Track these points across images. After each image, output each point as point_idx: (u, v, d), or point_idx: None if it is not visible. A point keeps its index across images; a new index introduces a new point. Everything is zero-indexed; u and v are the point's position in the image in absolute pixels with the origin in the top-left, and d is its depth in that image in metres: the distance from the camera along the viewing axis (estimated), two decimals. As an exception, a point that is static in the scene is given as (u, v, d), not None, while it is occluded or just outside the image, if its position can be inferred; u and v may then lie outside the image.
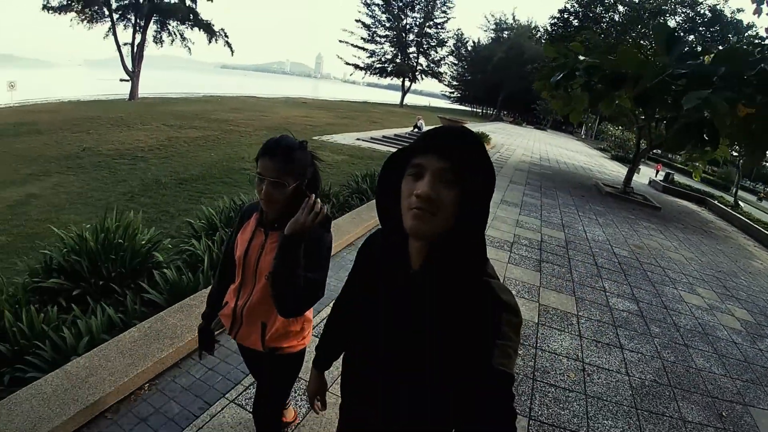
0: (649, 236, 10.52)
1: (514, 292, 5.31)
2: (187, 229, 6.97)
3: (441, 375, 1.01)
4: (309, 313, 2.11)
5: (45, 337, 3.48)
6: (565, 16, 18.35)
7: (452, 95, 79.74)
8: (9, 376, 3.23)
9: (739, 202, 19.88)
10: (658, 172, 22.89)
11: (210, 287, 2.29)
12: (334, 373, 3.21)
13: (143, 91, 36.46)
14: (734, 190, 20.99)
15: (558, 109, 13.48)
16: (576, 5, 19.20)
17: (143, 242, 5.11)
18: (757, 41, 8.77)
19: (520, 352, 4.26)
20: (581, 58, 10.18)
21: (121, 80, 70.09)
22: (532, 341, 4.53)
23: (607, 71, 9.54)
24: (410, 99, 65.57)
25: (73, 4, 31.52)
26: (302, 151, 1.80)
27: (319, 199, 1.60)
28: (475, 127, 28.18)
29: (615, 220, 11.55)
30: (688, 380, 4.41)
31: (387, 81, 69.64)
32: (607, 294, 6.25)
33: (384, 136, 20.74)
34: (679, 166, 37.36)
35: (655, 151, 35.43)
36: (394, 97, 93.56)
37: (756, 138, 8.51)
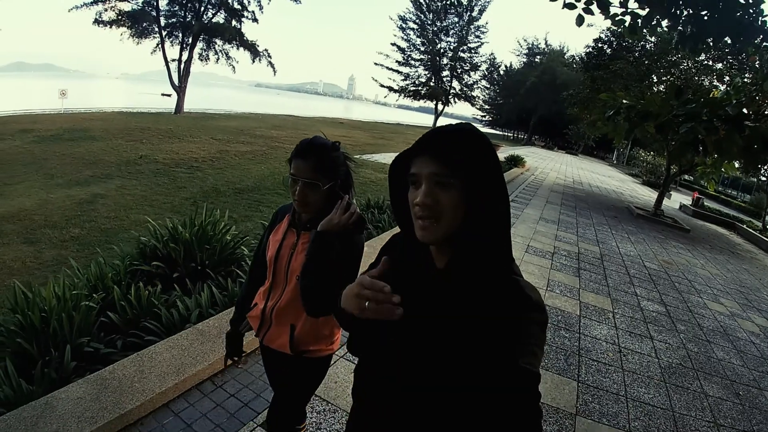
0: (677, 254, 11.29)
1: (557, 292, 6.30)
2: (257, 230, 7.95)
3: (464, 374, 0.95)
4: None
5: (152, 310, 4.08)
6: (599, 45, 19.16)
7: (484, 119, 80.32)
8: (121, 341, 3.77)
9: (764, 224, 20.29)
10: (694, 199, 23.37)
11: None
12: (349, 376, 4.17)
13: (185, 106, 37.89)
14: (764, 215, 21.39)
15: (609, 133, 16.12)
16: (610, 35, 19.99)
17: (228, 237, 5.72)
18: (731, 90, 10.70)
19: (566, 336, 5.18)
20: (624, 101, 13.71)
21: (163, 95, 72.00)
22: (575, 328, 5.45)
23: (639, 108, 12.88)
24: (442, 122, 66.22)
25: (123, 20, 33.01)
26: (335, 152, 1.84)
27: (354, 201, 1.72)
28: (508, 150, 29.06)
29: (646, 238, 12.33)
30: (709, 366, 5.26)
31: (418, 103, 70.07)
32: (639, 297, 7.13)
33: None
34: (713, 193, 37.50)
35: (686, 177, 35.84)
36: (425, 119, 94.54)
37: (723, 151, 11.88)
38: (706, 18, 4.98)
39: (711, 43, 5.55)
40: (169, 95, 68.19)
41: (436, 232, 1.02)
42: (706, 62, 12.41)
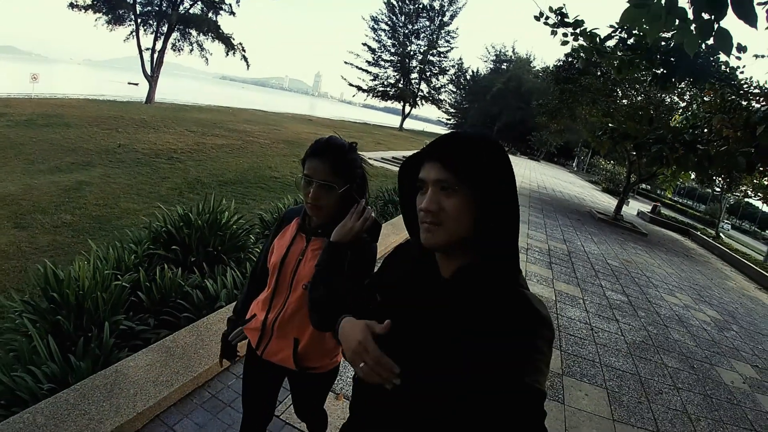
0: (636, 254, 12.32)
1: (534, 281, 7.07)
2: (252, 222, 8.37)
3: (470, 389, 0.93)
4: None
5: (182, 291, 4.28)
6: (570, 59, 20.22)
7: (449, 122, 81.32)
8: (153, 319, 3.97)
9: (720, 234, 21.70)
10: (655, 208, 24.90)
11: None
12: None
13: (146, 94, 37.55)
14: (717, 224, 22.89)
15: (596, 147, 19.39)
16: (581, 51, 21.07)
17: (235, 226, 5.89)
18: (690, 117, 13.08)
19: (551, 312, 5.91)
20: (610, 125, 15.88)
21: (129, 83, 70.21)
22: (553, 310, 6.25)
23: (621, 131, 15.04)
24: (407, 123, 66.82)
25: (99, 5, 32.53)
26: (352, 153, 1.75)
27: (368, 206, 1.60)
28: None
29: (607, 240, 13.34)
30: (667, 345, 6.10)
31: (384, 104, 70.03)
32: (604, 288, 7.99)
33: (393, 157, 21.68)
34: (669, 202, 39.28)
35: (643, 186, 37.63)
36: (390, 119, 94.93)
37: (681, 165, 13.58)
38: (673, 61, 5.91)
39: (677, 81, 6.69)
40: (136, 84, 67.01)
41: (437, 236, 1.02)
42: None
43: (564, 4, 5.57)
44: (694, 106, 13.65)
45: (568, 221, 14.84)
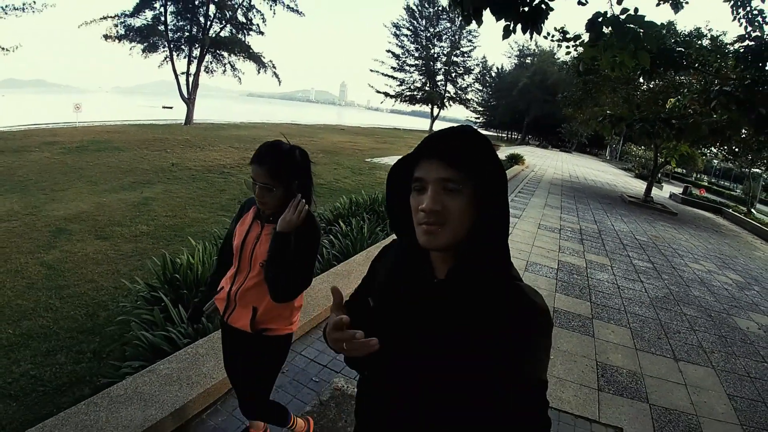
0: (664, 230, 13.13)
1: (567, 254, 8.01)
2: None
3: (468, 387, 0.95)
4: (298, 301, 2.28)
5: None
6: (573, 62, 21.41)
7: (478, 120, 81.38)
8: None
9: (753, 210, 22.00)
10: (686, 189, 25.43)
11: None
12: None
13: (182, 116, 38.40)
14: (748, 201, 23.20)
15: (599, 130, 19.80)
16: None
17: None
18: (680, 99, 14.51)
19: (578, 278, 6.90)
20: (608, 112, 17.69)
21: (164, 107, 71.60)
22: (584, 274, 7.24)
23: (616, 115, 16.49)
24: (436, 125, 66.95)
25: (132, 34, 33.77)
26: (290, 157, 2.01)
27: (304, 199, 1.94)
28: (507, 150, 30.80)
29: (637, 219, 14.19)
30: (687, 299, 6.99)
31: (410, 108, 70.30)
32: (631, 258, 8.90)
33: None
34: (705, 184, 39.16)
35: (677, 170, 37.80)
36: (418, 122, 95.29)
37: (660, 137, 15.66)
38: (654, 56, 6.93)
39: (662, 71, 7.77)
40: (170, 107, 68.47)
41: (441, 237, 0.98)
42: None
43: (564, 24, 6.67)
44: (685, 90, 14.88)
45: (599, 205, 15.72)
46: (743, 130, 12.83)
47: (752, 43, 6.74)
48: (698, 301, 7.00)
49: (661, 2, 5.62)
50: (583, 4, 4.10)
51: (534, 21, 3.84)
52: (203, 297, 2.47)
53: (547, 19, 3.90)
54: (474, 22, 3.98)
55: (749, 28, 6.63)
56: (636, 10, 3.85)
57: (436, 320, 1.02)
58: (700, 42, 13.20)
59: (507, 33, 3.99)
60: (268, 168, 1.93)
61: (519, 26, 3.88)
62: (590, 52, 3.72)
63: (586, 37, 3.95)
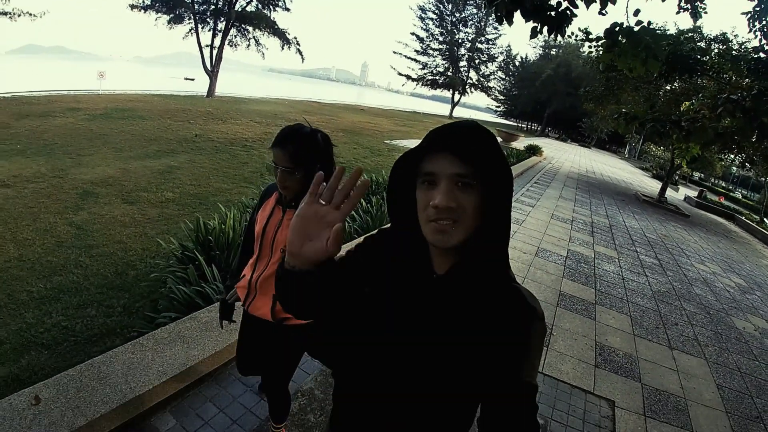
0: (674, 230, 13.40)
1: (577, 244, 8.30)
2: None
3: (458, 387, 0.96)
4: None
5: None
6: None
7: (498, 109, 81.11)
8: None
9: (765, 219, 22.08)
10: (701, 193, 25.62)
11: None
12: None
13: (203, 88, 38.19)
14: (762, 209, 23.27)
15: (615, 127, 20.73)
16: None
17: None
18: (694, 102, 15.08)
19: (585, 267, 7.22)
20: (623, 110, 17.63)
21: (186, 78, 71.62)
22: (591, 264, 7.57)
23: (631, 114, 16.75)
24: (456, 111, 66.64)
25: (158, 5, 33.76)
26: (313, 140, 1.97)
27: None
28: (525, 140, 30.89)
29: (648, 218, 14.45)
30: (688, 296, 7.29)
31: (431, 92, 69.95)
32: (638, 253, 9.20)
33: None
34: (721, 190, 39.09)
35: (695, 174, 37.75)
36: (438, 107, 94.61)
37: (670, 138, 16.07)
38: (672, 61, 7.17)
39: (677, 76, 8.22)
40: (192, 79, 68.41)
41: (454, 236, 0.95)
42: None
43: (588, 26, 7.00)
44: (700, 95, 15.23)
45: (612, 201, 15.96)
46: (753, 138, 13.23)
47: (765, 56, 7.02)
48: (699, 299, 7.29)
49: (681, 10, 5.87)
50: (604, 15, 4.49)
51: (559, 24, 4.26)
52: (228, 289, 2.45)
53: (570, 23, 4.32)
54: (506, 22, 4.31)
55: (764, 41, 6.87)
56: (649, 23, 4.31)
57: (433, 316, 1.01)
58: (719, 49, 13.74)
59: (534, 34, 4.41)
60: (290, 152, 1.92)
61: (546, 28, 4.28)
62: (607, 56, 4.14)
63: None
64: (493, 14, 4.27)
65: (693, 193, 27.23)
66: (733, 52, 12.94)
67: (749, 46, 13.03)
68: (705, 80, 13.85)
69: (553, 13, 4.26)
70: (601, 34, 4.64)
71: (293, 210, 1.95)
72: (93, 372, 2.77)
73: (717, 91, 11.77)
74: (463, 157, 0.92)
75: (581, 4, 4.19)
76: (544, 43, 72.74)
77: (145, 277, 5.33)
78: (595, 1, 4.02)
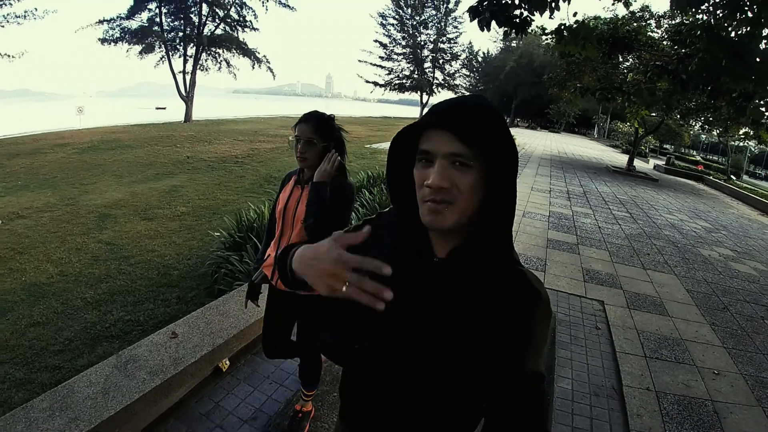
0: (644, 191, 14.72)
1: (556, 207, 9.31)
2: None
3: (464, 374, 0.91)
4: None
5: None
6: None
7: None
8: None
9: (732, 176, 23.51)
10: (669, 159, 27.30)
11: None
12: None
13: (176, 116, 38.30)
14: (727, 168, 24.79)
15: (576, 103, 23.53)
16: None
17: None
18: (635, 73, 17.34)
19: (566, 222, 8.27)
20: (578, 85, 20.16)
21: (157, 108, 71.09)
22: (571, 219, 8.64)
23: (585, 88, 19.46)
24: (424, 112, 67.16)
25: (127, 37, 34.12)
26: (330, 121, 2.27)
27: (336, 153, 2.18)
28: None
29: (619, 184, 15.76)
30: (658, 236, 8.40)
31: (397, 96, 69.95)
32: (611, 209, 10.36)
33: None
34: (690, 158, 40.59)
35: (665, 146, 39.37)
36: (408, 111, 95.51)
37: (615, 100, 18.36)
38: (612, 43, 8.65)
39: (618, 55, 9.87)
40: (163, 108, 68.02)
41: (447, 218, 0.89)
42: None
43: (543, 24, 8.48)
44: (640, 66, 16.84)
45: (585, 174, 17.25)
46: (679, 98, 15.19)
47: (683, 28, 8.54)
48: (668, 237, 8.41)
49: (615, 2, 7.34)
50: (552, 19, 6.36)
51: (523, 28, 5.76)
52: (254, 271, 2.55)
53: (530, 26, 5.89)
54: (486, 29, 5.75)
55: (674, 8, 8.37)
56: (583, 20, 6.47)
57: (434, 301, 0.95)
58: (650, 26, 15.87)
59: (506, 36, 6.03)
60: (312, 126, 2.16)
61: (513, 31, 5.82)
62: (557, 47, 6.15)
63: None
64: (453, 16, 5.84)
65: (662, 163, 28.64)
66: (664, 26, 15.36)
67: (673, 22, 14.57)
68: (646, 54, 15.42)
69: (517, 20, 5.74)
70: (553, 29, 6.24)
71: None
72: (215, 310, 3.44)
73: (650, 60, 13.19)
74: (462, 137, 0.85)
75: (537, 15, 5.73)
76: (503, 35, 73.45)
77: (192, 273, 5.89)
78: (546, 11, 5.47)
